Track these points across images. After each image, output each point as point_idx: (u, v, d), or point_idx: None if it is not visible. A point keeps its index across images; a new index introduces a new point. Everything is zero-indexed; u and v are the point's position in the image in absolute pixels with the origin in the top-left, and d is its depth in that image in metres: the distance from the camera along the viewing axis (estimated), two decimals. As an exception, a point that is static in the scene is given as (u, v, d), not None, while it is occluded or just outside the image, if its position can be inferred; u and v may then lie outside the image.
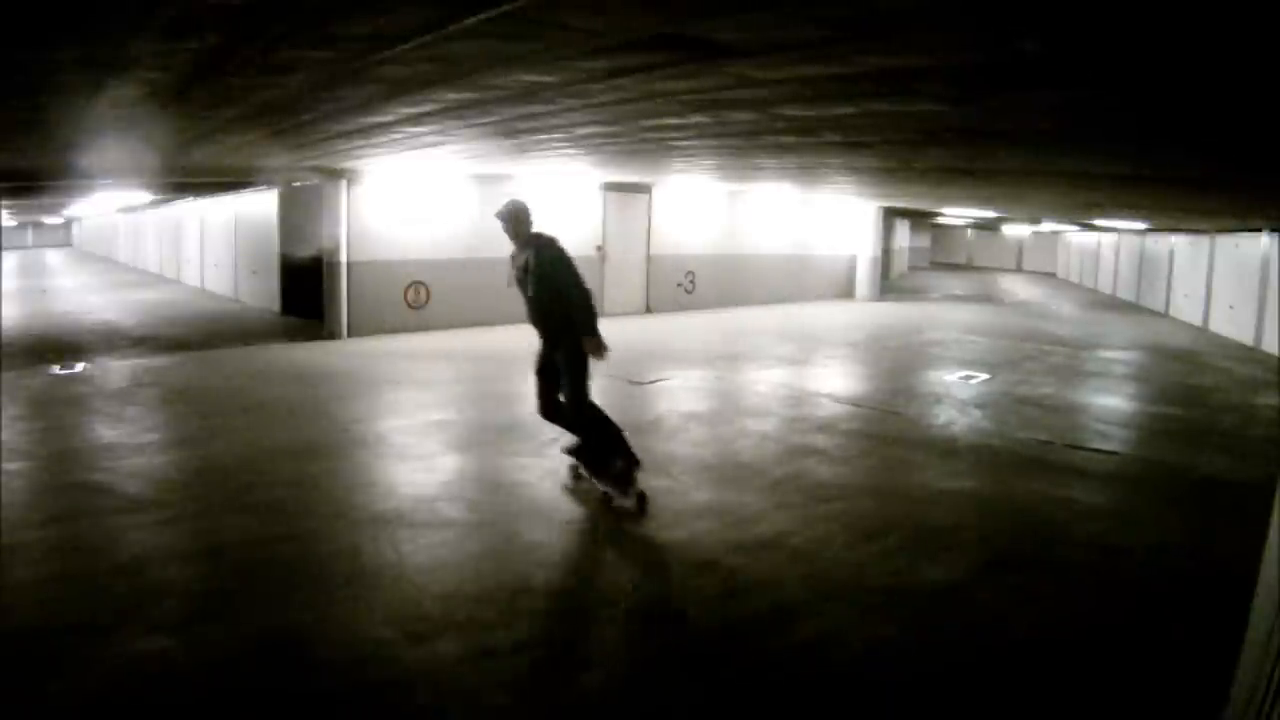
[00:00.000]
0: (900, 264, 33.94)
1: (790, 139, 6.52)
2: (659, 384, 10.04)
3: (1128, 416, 9.33)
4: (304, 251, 14.76)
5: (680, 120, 5.60)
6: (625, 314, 16.87)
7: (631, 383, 10.00)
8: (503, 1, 2.66)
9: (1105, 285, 27.83)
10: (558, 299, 5.63)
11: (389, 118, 5.93)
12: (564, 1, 2.71)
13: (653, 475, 6.50)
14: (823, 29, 2.93)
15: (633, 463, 5.85)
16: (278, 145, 8.07)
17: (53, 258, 36.64)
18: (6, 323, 13.09)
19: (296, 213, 15.55)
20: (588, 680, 3.63)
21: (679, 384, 10.07)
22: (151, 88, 4.45)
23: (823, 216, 21.61)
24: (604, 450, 5.85)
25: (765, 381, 10.44)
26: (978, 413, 8.95)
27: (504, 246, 5.96)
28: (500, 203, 5.81)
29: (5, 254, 32.68)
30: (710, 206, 18.50)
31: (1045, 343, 14.69)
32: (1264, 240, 15.01)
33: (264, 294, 17.04)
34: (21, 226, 44.15)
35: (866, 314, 19.04)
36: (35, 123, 6.06)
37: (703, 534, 5.31)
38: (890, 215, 25.50)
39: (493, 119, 5.81)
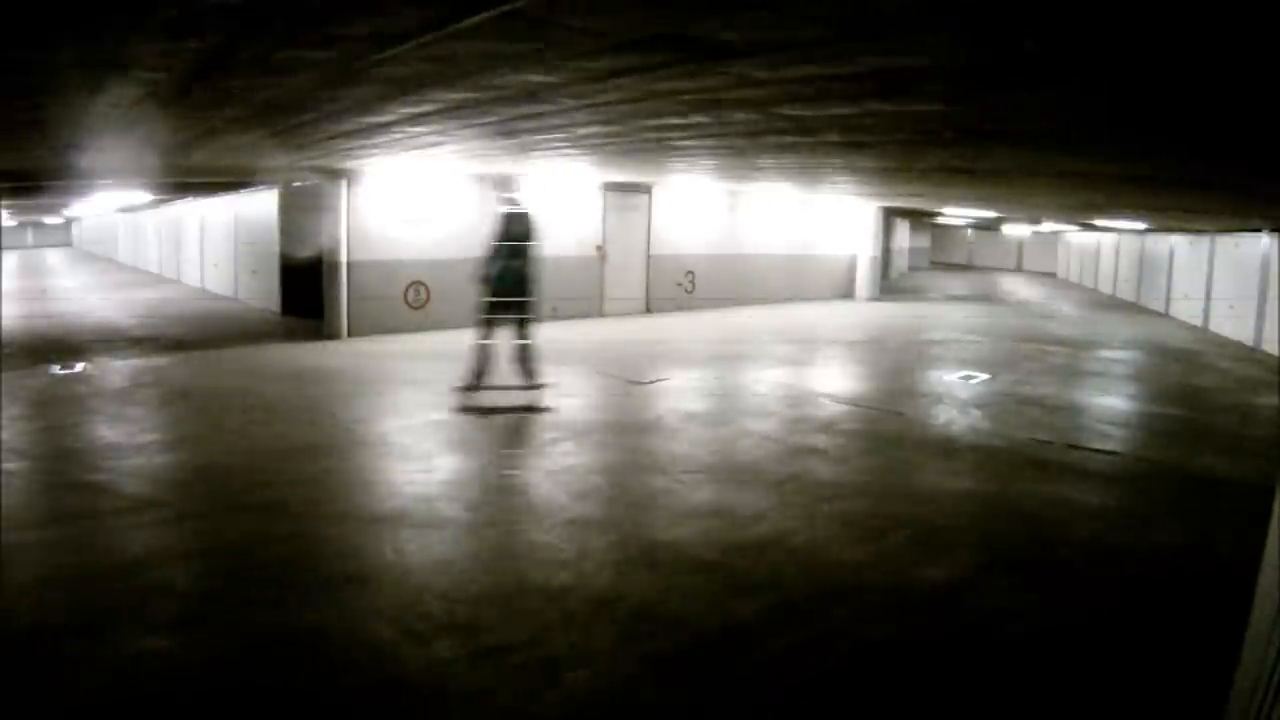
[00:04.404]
0: (900, 264, 33.93)
1: (790, 139, 6.51)
2: (659, 384, 10.04)
3: (1128, 416, 9.33)
4: (304, 251, 14.75)
5: (680, 120, 5.59)
6: (625, 314, 16.88)
7: (632, 383, 10.00)
8: (503, 1, 2.66)
9: (1105, 285, 27.83)
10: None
11: (389, 118, 5.92)
12: (564, 1, 2.71)
13: (654, 475, 6.51)
14: (823, 29, 2.93)
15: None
16: (278, 145, 8.06)
17: (53, 258, 36.64)
18: (6, 323, 13.08)
19: (296, 213, 15.54)
20: (588, 680, 3.63)
21: (679, 384, 10.07)
22: (151, 88, 4.45)
23: (823, 216, 21.60)
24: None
25: (765, 382, 10.44)
26: (978, 413, 8.95)
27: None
28: (499, 203, 5.91)
29: (5, 254, 32.67)
30: (710, 206, 18.50)
31: (1045, 343, 14.69)
32: (1264, 240, 15.01)
33: (264, 294, 17.03)
34: (21, 226, 44.11)
35: (866, 314, 19.04)
36: (35, 123, 6.05)
37: (703, 534, 5.31)
38: (890, 215, 25.50)
39: (493, 119, 5.80)
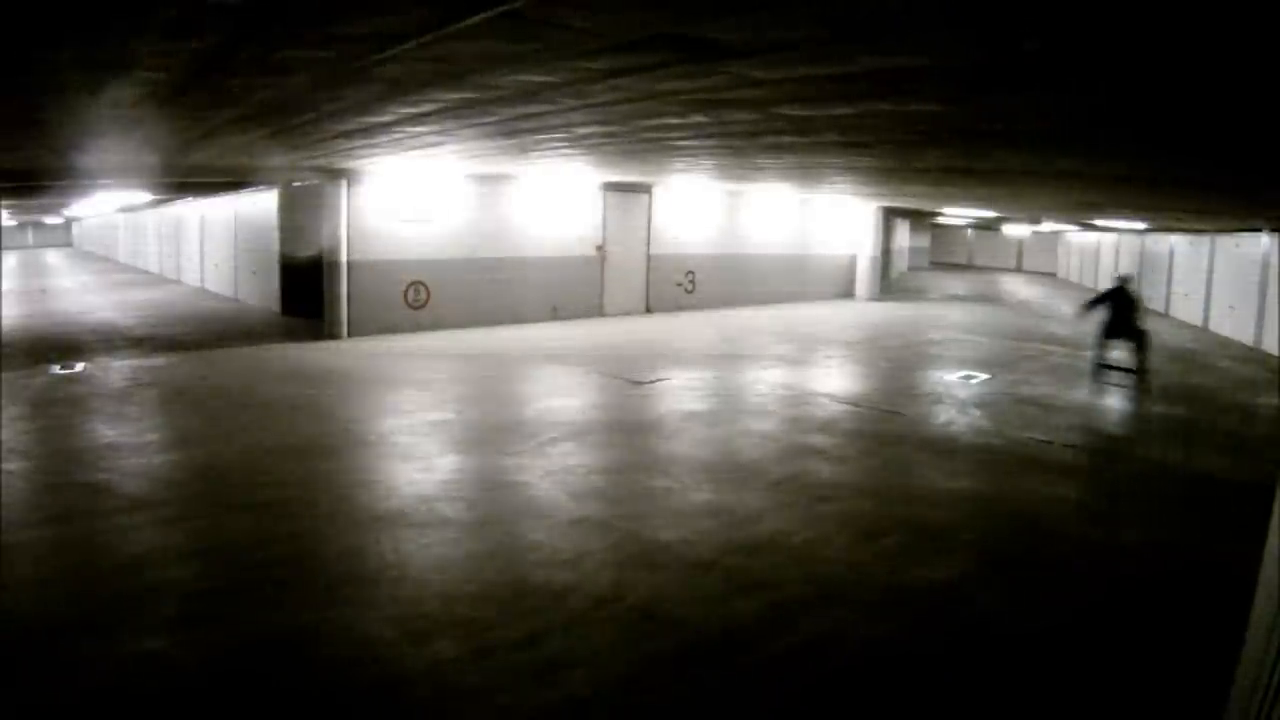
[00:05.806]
0: (900, 264, 33.91)
1: (789, 139, 6.51)
2: (659, 384, 10.04)
3: (1127, 416, 9.33)
4: (304, 251, 14.75)
5: (680, 120, 5.60)
6: (625, 314, 16.88)
7: (632, 383, 10.00)
8: (503, 1, 2.66)
9: (1106, 285, 27.79)
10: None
11: (389, 118, 5.93)
12: (564, 1, 2.71)
13: (653, 475, 6.51)
14: (821, 29, 2.94)
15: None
16: (278, 145, 8.07)
17: (53, 257, 36.64)
18: (6, 323, 13.09)
19: (296, 213, 15.55)
20: (588, 679, 3.63)
21: (679, 384, 10.07)
22: (151, 88, 4.45)
23: (822, 216, 21.61)
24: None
25: (765, 381, 10.45)
26: (977, 413, 8.95)
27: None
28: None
29: (5, 254, 32.68)
30: (710, 206, 18.51)
31: (1045, 343, 14.70)
32: (1264, 240, 15.01)
33: (264, 294, 17.03)
34: (21, 226, 44.14)
35: (866, 314, 19.04)
36: (35, 122, 6.06)
37: (703, 534, 5.31)
38: (890, 215, 25.48)
39: (493, 119, 5.80)
